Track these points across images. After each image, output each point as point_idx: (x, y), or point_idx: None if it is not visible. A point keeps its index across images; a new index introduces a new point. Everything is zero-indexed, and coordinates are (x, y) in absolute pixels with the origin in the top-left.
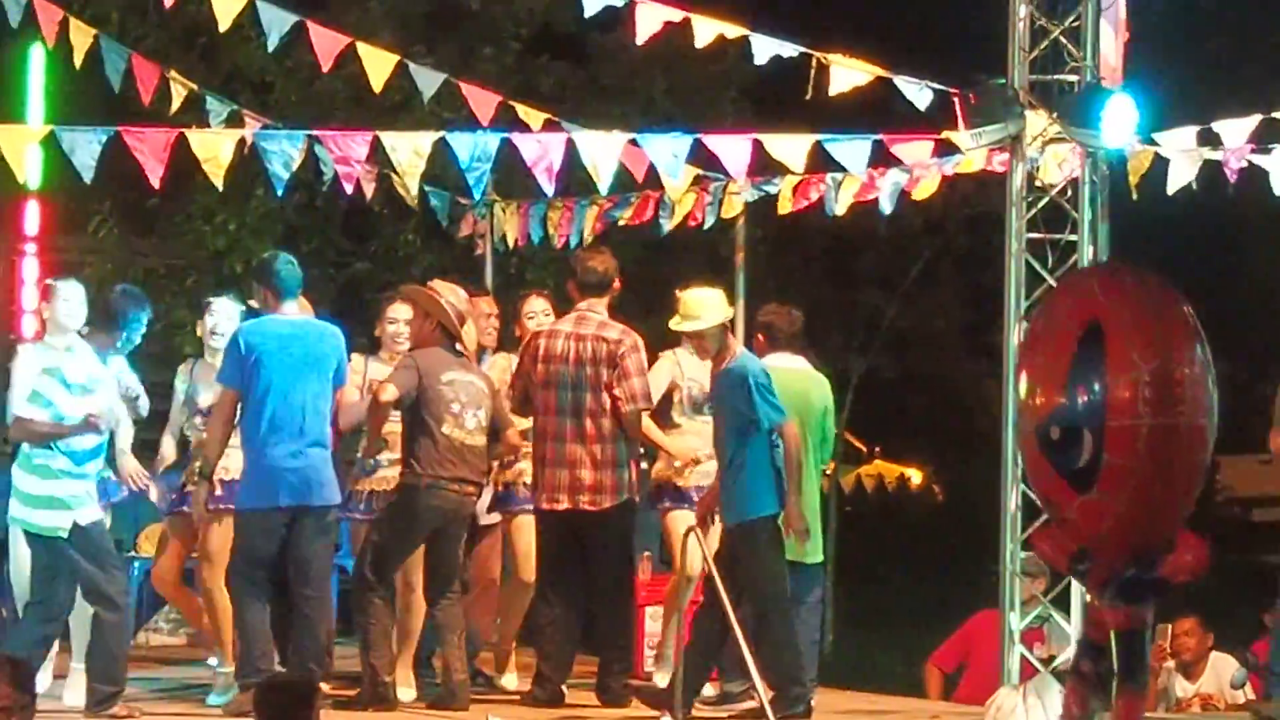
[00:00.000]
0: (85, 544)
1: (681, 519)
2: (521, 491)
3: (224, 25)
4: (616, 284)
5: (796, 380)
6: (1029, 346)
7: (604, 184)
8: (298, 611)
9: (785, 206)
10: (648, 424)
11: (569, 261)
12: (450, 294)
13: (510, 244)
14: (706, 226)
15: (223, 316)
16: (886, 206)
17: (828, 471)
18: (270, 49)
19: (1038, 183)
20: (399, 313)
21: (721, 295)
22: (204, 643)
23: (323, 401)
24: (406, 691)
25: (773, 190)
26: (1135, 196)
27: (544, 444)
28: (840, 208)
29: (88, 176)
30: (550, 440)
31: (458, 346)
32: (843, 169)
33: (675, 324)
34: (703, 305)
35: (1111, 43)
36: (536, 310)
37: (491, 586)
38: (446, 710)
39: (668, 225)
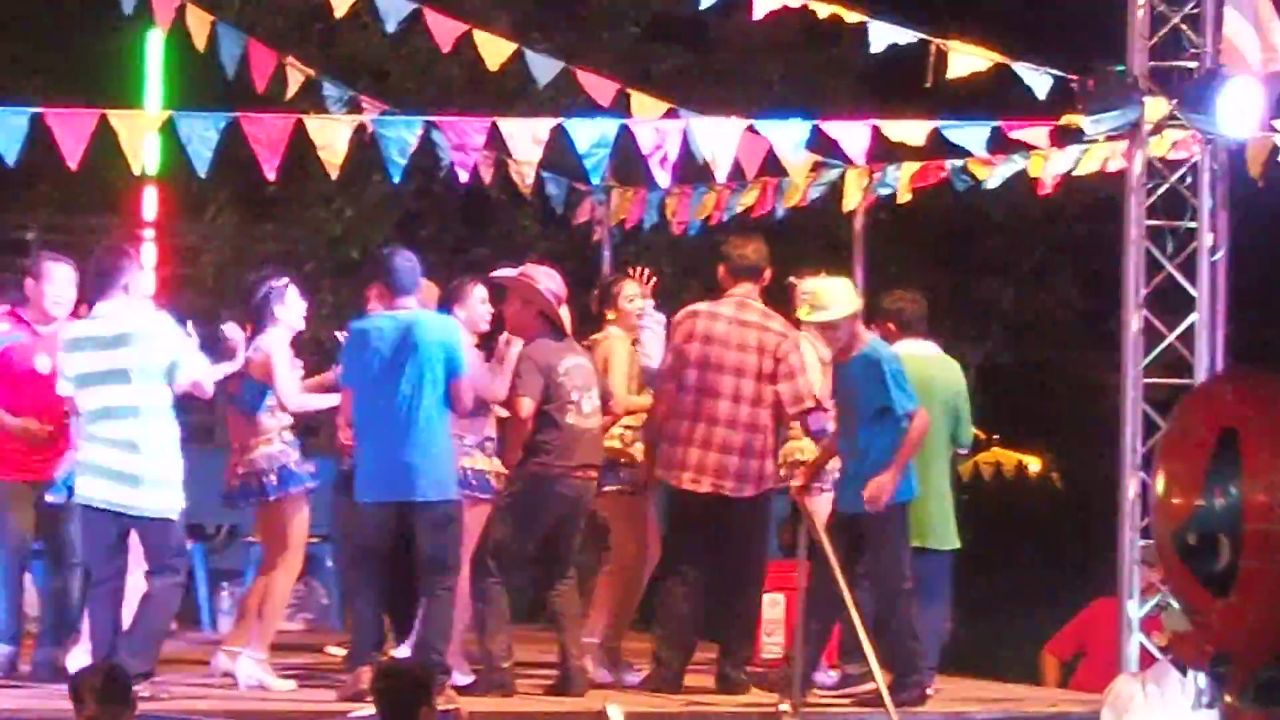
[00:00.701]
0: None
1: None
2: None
3: (339, 12)
4: (768, 273)
5: (929, 366)
6: (1163, 451)
7: (721, 172)
8: (422, 599)
9: (904, 195)
10: None
11: (688, 247)
12: (545, 278)
13: (625, 229)
14: (820, 207)
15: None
16: (994, 181)
17: (961, 452)
18: (388, 33)
19: (1157, 169)
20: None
21: (850, 285)
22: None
23: (433, 395)
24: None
25: (892, 183)
26: (1261, 184)
27: (691, 423)
28: (964, 175)
29: (203, 169)
30: (701, 420)
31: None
32: (961, 155)
33: (805, 315)
34: (833, 296)
35: (1239, 29)
36: (634, 294)
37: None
38: (564, 697)
39: (782, 208)
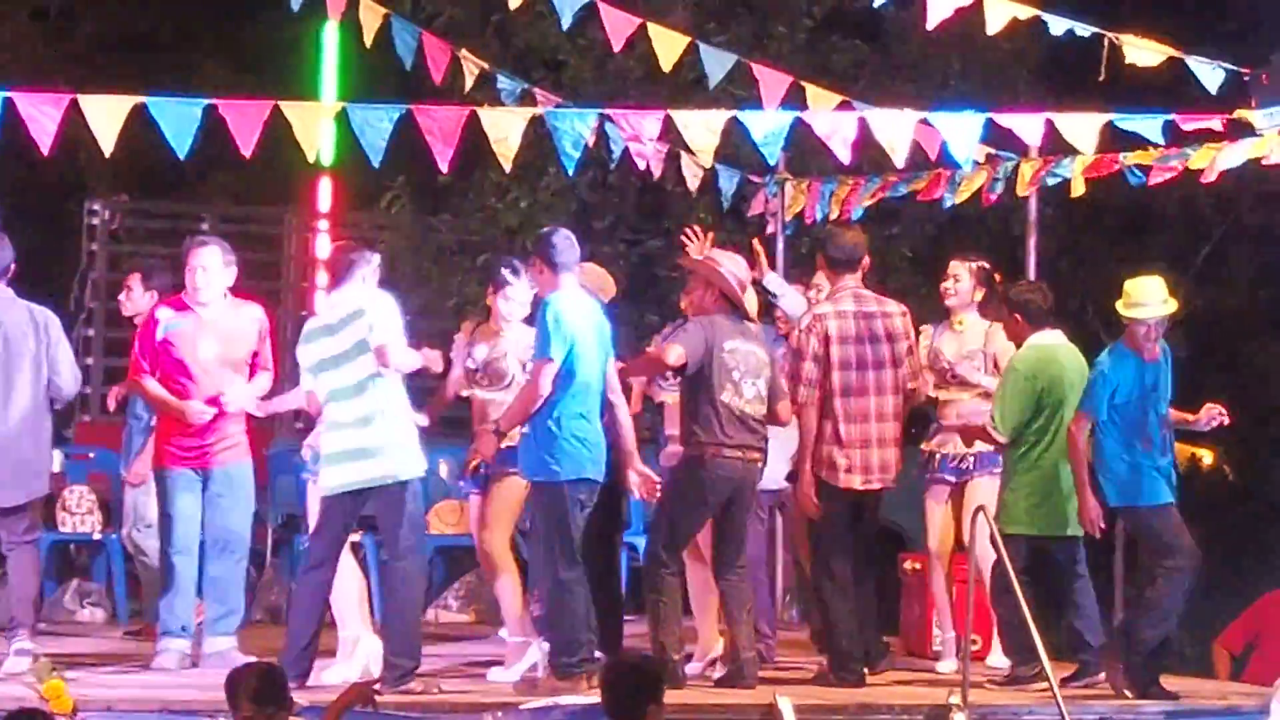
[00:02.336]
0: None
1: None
2: None
3: (514, 3)
4: (866, 261)
5: (1059, 356)
6: None
7: (899, 158)
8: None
9: (1078, 188)
10: None
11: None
12: (729, 261)
13: (800, 221)
14: (994, 200)
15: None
16: (1175, 168)
17: None
18: (564, 28)
19: None
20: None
21: (1164, 286)
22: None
23: (602, 377)
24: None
25: (1065, 174)
26: None
27: (851, 425)
28: (1136, 169)
29: (376, 159)
30: (859, 421)
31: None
32: (1134, 148)
33: (1121, 308)
34: (1149, 294)
35: None
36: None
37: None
38: (734, 689)
39: (952, 200)
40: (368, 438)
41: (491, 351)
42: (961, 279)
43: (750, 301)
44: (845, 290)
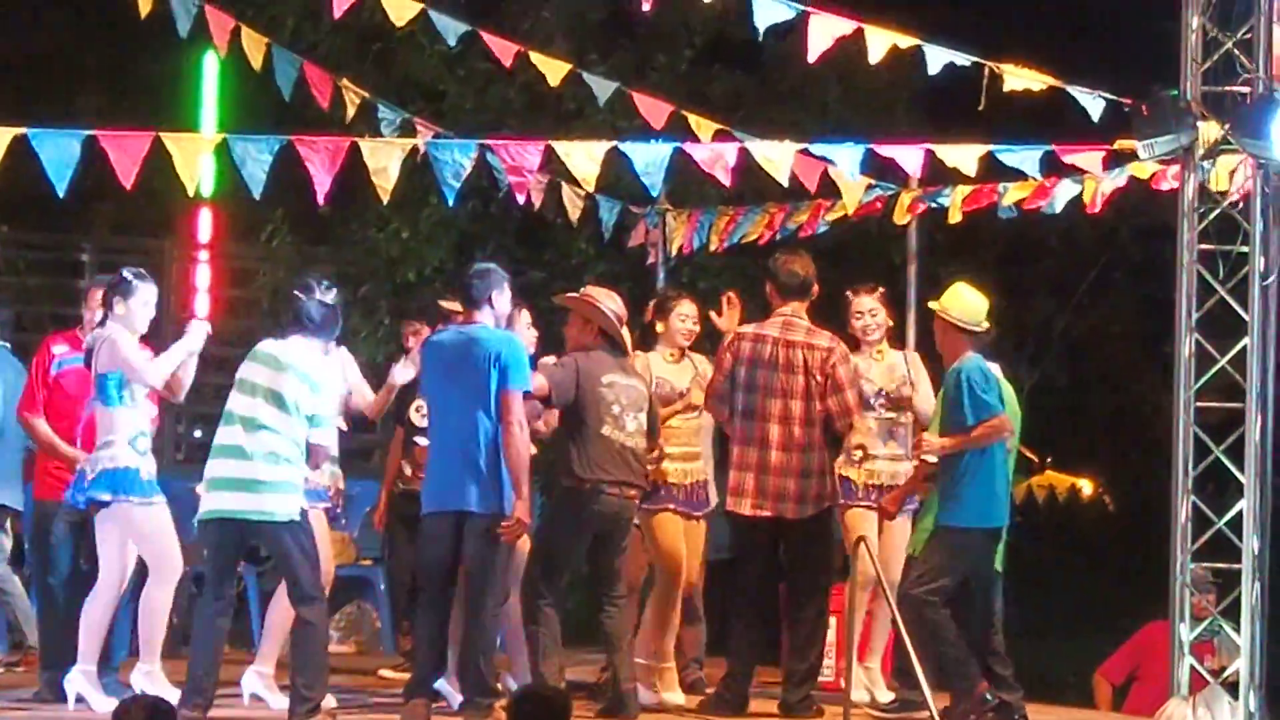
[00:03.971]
0: (308, 533)
1: (856, 520)
2: (663, 490)
3: (400, 23)
4: (815, 288)
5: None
6: None
7: (783, 178)
8: (472, 616)
9: (955, 215)
10: None
11: (742, 269)
12: (606, 298)
13: (679, 252)
14: (875, 229)
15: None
16: (1057, 206)
17: None
18: (450, 48)
19: (1210, 193)
20: (689, 309)
21: (984, 305)
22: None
23: (478, 408)
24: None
25: (944, 201)
26: None
27: (747, 449)
28: (1010, 206)
29: (257, 191)
30: (756, 446)
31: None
32: (1013, 179)
33: (932, 303)
34: (962, 303)
35: None
36: (689, 314)
37: (633, 593)
38: (615, 719)
39: (826, 223)
40: (294, 474)
41: None
42: (878, 312)
43: (626, 337)
44: (780, 316)
